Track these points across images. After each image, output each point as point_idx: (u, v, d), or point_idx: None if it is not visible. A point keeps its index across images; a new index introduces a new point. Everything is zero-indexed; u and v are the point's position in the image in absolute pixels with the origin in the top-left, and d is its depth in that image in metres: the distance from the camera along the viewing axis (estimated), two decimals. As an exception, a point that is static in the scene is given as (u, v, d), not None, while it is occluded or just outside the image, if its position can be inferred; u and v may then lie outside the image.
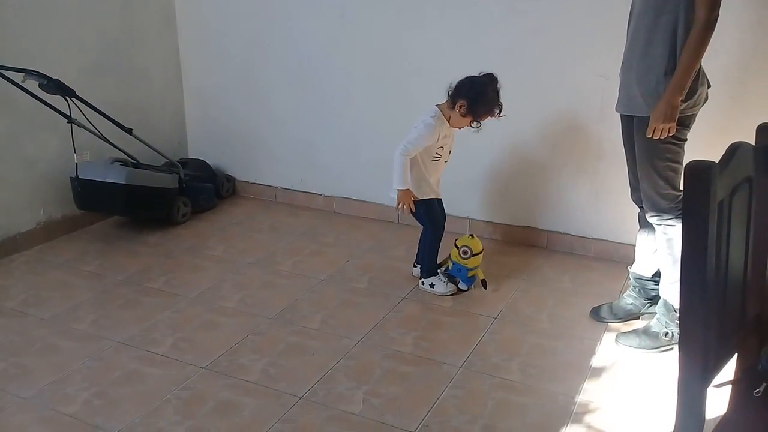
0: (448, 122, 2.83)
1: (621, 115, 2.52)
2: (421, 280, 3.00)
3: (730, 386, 1.60)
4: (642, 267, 2.71)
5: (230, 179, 4.20)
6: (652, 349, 2.55)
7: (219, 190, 4.09)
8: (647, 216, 2.49)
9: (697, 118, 2.39)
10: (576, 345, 2.60)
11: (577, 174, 3.29)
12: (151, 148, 3.57)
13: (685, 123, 2.34)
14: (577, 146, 3.24)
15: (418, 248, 3.08)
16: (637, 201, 2.59)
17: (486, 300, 2.93)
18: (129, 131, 3.45)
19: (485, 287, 2.98)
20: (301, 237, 3.63)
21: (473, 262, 2.94)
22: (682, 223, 1.19)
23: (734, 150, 1.26)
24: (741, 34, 2.78)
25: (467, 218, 3.61)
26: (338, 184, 3.94)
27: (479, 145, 3.45)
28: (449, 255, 3.01)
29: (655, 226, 2.48)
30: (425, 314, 2.84)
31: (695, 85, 2.28)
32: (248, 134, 4.11)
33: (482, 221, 3.59)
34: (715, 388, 1.59)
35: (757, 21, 2.76)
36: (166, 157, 3.70)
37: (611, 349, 2.57)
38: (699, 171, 1.11)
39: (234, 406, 2.24)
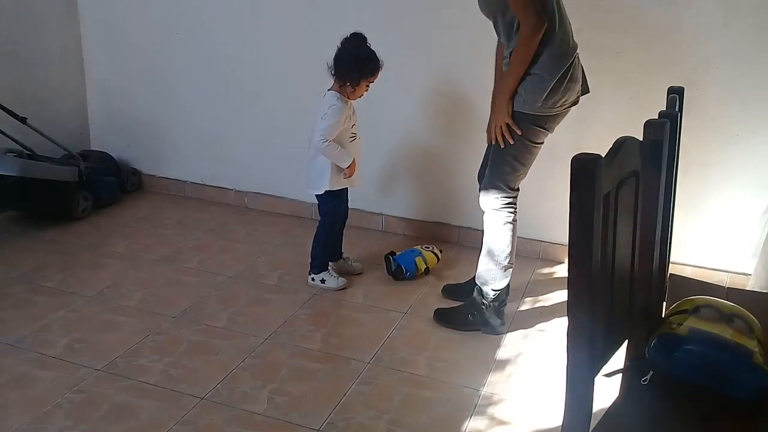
0: (348, 99, 2.78)
1: None
2: (310, 276, 2.97)
3: (620, 375, 1.65)
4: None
5: (136, 173, 4.03)
6: (459, 328, 2.66)
7: (124, 184, 3.92)
8: (479, 197, 2.55)
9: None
10: (482, 338, 2.63)
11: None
12: (47, 138, 3.37)
13: (538, 123, 2.38)
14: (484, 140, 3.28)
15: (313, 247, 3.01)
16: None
17: (397, 295, 2.93)
18: (23, 120, 3.25)
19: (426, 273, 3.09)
20: (210, 233, 3.52)
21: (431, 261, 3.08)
22: (570, 214, 1.20)
23: (620, 144, 1.29)
24: (639, 35, 2.90)
25: (381, 214, 3.60)
26: (250, 179, 3.85)
27: (389, 141, 3.45)
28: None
29: (482, 207, 2.55)
30: (335, 310, 2.81)
31: (552, 87, 2.31)
32: (155, 126, 3.96)
33: (395, 217, 3.59)
34: (606, 377, 1.64)
35: (655, 20, 2.87)
36: (64, 149, 3.51)
37: (517, 342, 2.61)
38: (585, 163, 1.12)
39: (130, 409, 2.14)
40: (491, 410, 2.21)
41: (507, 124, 2.37)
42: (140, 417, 2.10)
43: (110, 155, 3.92)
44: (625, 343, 1.59)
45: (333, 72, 2.72)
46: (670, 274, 2.10)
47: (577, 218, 1.17)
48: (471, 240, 3.44)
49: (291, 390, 2.26)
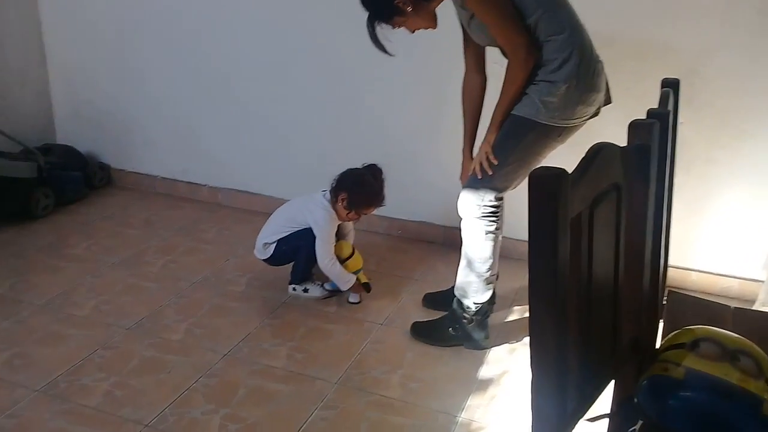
0: (337, 216, 2.68)
1: None
2: (292, 286, 2.74)
3: (607, 419, 1.42)
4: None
5: (104, 167, 3.80)
6: (439, 344, 2.43)
7: (91, 179, 3.69)
8: (458, 201, 2.30)
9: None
10: (463, 353, 2.40)
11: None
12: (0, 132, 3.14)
13: (549, 134, 2.13)
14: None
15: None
16: None
17: (373, 304, 2.70)
18: (-29, 113, 3.02)
19: (368, 291, 2.74)
20: (178, 233, 3.29)
21: (353, 266, 2.70)
22: (529, 241, 0.97)
23: (595, 153, 1.05)
24: (634, 20, 2.64)
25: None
26: (224, 174, 3.62)
27: (372, 135, 3.22)
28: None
29: (460, 214, 2.30)
30: (305, 321, 2.58)
31: (570, 96, 2.07)
32: (124, 117, 3.72)
33: (377, 216, 3.35)
34: (590, 422, 1.41)
35: (651, 2, 2.62)
36: (19, 143, 3.28)
37: (502, 357, 2.39)
38: (544, 181, 0.89)
39: (65, 438, 1.92)
40: (467, 440, 1.99)
41: (486, 153, 2.17)
42: (75, 448, 1.89)
43: (76, 149, 3.69)
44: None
45: (334, 185, 2.66)
46: (669, 290, 1.86)
47: (536, 248, 0.93)
48: (455, 240, 3.20)
49: (246, 416, 2.04)
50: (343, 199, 2.63)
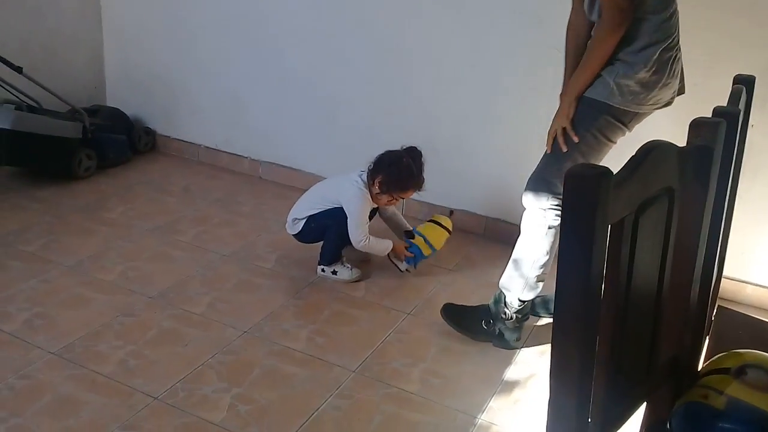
0: (370, 197, 2.59)
1: None
2: (320, 267, 2.65)
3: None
4: None
5: (149, 132, 3.79)
6: (466, 333, 2.31)
7: (135, 143, 3.69)
8: (525, 190, 2.15)
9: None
10: (491, 352, 2.27)
11: (520, 158, 2.92)
12: (45, 89, 3.14)
13: (621, 119, 1.97)
14: (522, 127, 2.88)
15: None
16: None
17: (403, 292, 2.60)
18: (18, 70, 3.02)
19: (411, 237, 2.70)
20: (215, 203, 3.25)
21: (426, 230, 2.70)
22: (560, 246, 0.84)
23: (647, 152, 0.91)
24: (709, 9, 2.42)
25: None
26: (266, 148, 3.55)
27: (417, 119, 3.09)
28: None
29: (525, 204, 2.16)
30: (329, 304, 2.49)
31: (647, 80, 1.91)
32: (173, 84, 3.69)
33: (416, 200, 3.23)
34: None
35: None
36: (66, 102, 3.27)
37: (530, 360, 2.25)
38: (581, 181, 0.76)
39: (73, 403, 1.89)
40: (484, 446, 1.87)
41: (564, 129, 2.00)
42: (81, 414, 1.85)
43: (123, 112, 3.69)
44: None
45: (371, 167, 2.57)
46: (719, 306, 1.69)
47: (567, 256, 0.81)
48: (497, 233, 3.06)
49: (257, 397, 1.97)
50: (379, 182, 2.53)
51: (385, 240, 2.62)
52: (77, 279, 2.50)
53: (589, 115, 1.98)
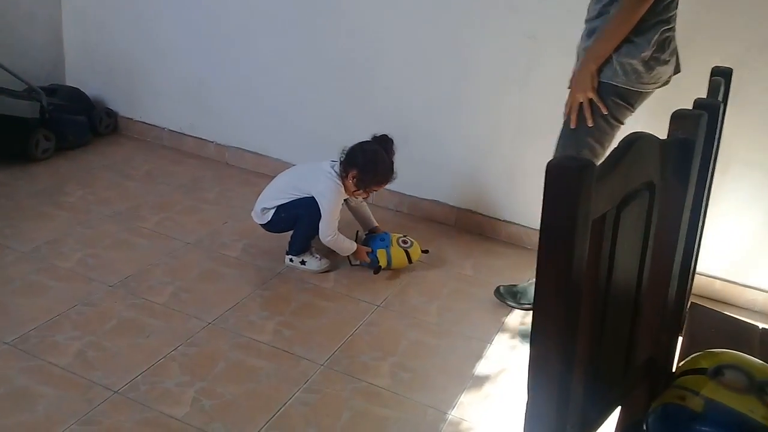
0: (345, 191, 2.53)
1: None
2: (289, 257, 2.59)
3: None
4: None
5: (111, 114, 3.66)
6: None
7: (96, 125, 3.55)
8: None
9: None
10: (462, 346, 2.25)
11: (491, 147, 2.90)
12: (0, 66, 3.00)
13: (629, 100, 1.97)
14: (493, 116, 2.85)
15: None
16: None
17: (372, 283, 2.55)
18: (-28, 46, 2.88)
19: (375, 272, 2.59)
20: (178, 189, 3.15)
21: (397, 259, 2.60)
22: (539, 242, 0.80)
23: (629, 144, 0.87)
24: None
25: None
26: (233, 132, 3.46)
27: (388, 106, 3.03)
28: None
29: None
30: (297, 295, 2.43)
31: (651, 58, 1.91)
32: (135, 64, 3.56)
33: (387, 190, 3.18)
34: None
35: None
36: (22, 80, 3.13)
37: (501, 354, 2.23)
38: (564, 173, 0.72)
39: (29, 397, 1.80)
40: (455, 442, 1.84)
41: (590, 99, 1.96)
42: (36, 409, 1.77)
43: (83, 92, 3.55)
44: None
45: (342, 159, 2.50)
46: (691, 303, 1.68)
47: (547, 253, 0.77)
48: (468, 224, 3.04)
49: (222, 391, 1.91)
50: (353, 177, 2.47)
51: (351, 241, 2.57)
52: (33, 266, 2.40)
53: (598, 97, 1.98)
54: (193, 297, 2.33)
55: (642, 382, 1.21)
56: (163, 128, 3.60)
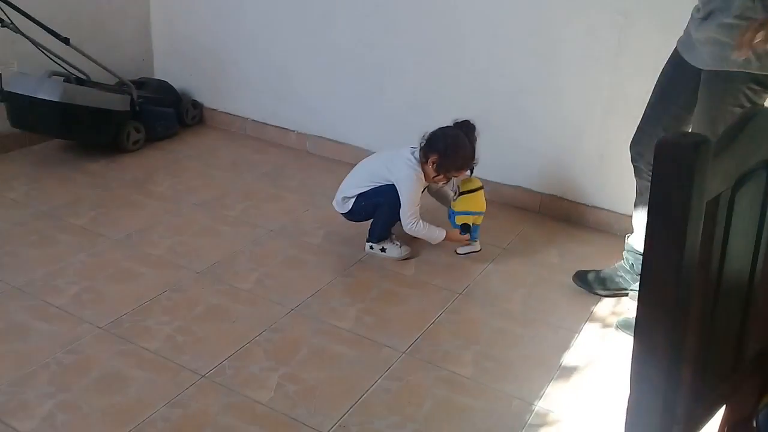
0: (423, 176, 2.48)
1: (686, 67, 1.98)
2: (369, 244, 2.57)
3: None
4: (638, 240, 2.28)
5: (197, 105, 3.75)
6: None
7: (183, 116, 3.66)
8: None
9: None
10: (548, 336, 2.17)
11: (580, 130, 2.79)
12: (93, 61, 3.12)
13: (762, 82, 1.83)
14: (582, 97, 2.73)
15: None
16: (637, 154, 2.15)
17: (454, 270, 2.50)
18: (66, 41, 3.00)
19: (466, 231, 2.53)
20: (262, 178, 3.20)
21: (462, 205, 2.51)
22: (647, 226, 0.74)
23: (747, 119, 0.79)
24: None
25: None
26: (314, 121, 3.48)
27: (469, 91, 2.96)
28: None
29: None
30: (378, 282, 2.42)
31: None
32: (220, 56, 3.64)
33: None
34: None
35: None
36: (114, 74, 3.25)
37: (590, 344, 2.14)
38: (677, 150, 0.65)
39: (121, 379, 1.87)
40: (542, 435, 1.78)
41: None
42: (128, 391, 1.82)
43: (170, 85, 3.66)
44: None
45: (423, 144, 2.46)
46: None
47: (657, 237, 0.70)
48: (553, 210, 2.94)
49: (306, 377, 1.92)
50: (433, 162, 2.43)
51: (439, 228, 2.52)
52: (126, 253, 2.49)
53: (730, 92, 1.85)
54: (277, 283, 2.36)
55: (752, 377, 1.12)
56: (246, 118, 3.67)
